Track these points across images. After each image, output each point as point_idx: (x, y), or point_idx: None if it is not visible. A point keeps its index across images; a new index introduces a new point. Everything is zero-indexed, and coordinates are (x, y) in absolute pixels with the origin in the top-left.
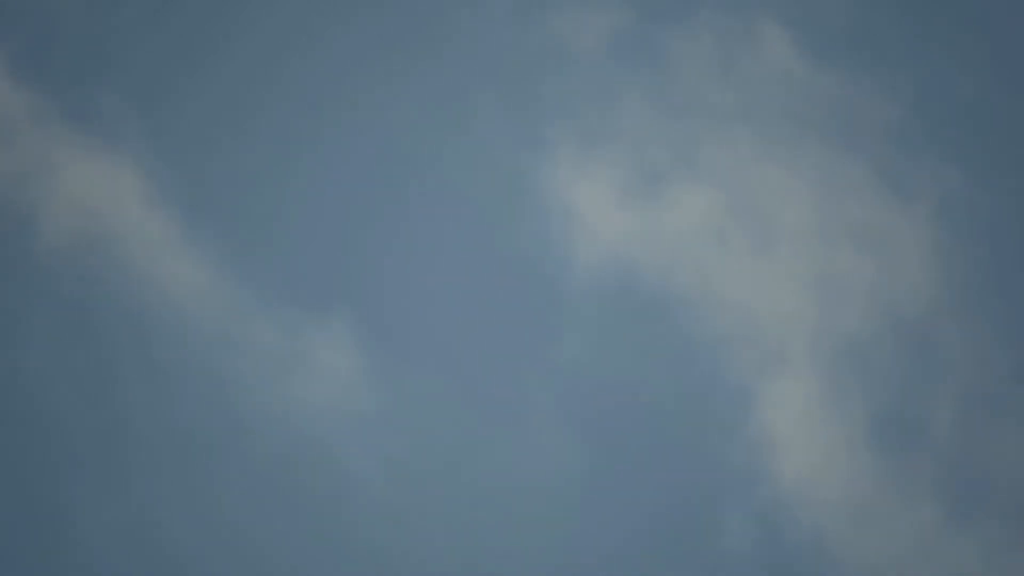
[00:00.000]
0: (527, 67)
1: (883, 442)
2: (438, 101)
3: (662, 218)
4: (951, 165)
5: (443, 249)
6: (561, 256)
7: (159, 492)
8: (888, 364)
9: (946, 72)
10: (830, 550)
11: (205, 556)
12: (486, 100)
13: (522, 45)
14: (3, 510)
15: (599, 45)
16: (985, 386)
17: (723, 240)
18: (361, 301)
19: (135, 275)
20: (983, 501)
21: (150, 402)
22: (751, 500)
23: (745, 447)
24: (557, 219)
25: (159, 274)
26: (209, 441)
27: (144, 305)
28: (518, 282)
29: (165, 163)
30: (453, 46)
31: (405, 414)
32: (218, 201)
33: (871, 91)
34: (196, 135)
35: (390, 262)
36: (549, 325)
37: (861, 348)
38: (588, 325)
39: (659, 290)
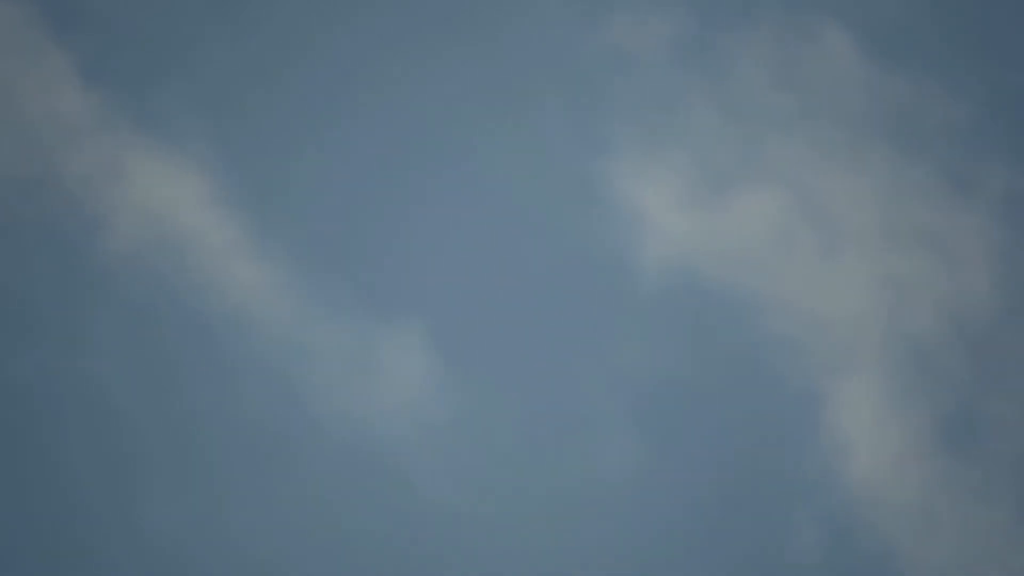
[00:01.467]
0: (591, 71)
1: (952, 445)
2: (504, 105)
3: (728, 221)
4: (1017, 166)
5: (510, 253)
6: (627, 259)
7: (227, 497)
8: (956, 366)
9: (1011, 72)
10: (899, 554)
11: (271, 559)
12: (551, 104)
13: (585, 49)
14: (75, 513)
15: (662, 48)
16: None
17: (789, 243)
18: (432, 306)
19: (204, 279)
20: None
21: (218, 407)
22: (819, 505)
23: (813, 451)
24: (623, 223)
25: (228, 278)
26: (277, 447)
27: (213, 309)
28: (584, 286)
29: (234, 166)
30: (518, 50)
31: (475, 421)
32: (288, 204)
33: (936, 92)
34: (265, 138)
35: (459, 267)
36: (615, 329)
37: (928, 350)
38: (655, 329)
39: (725, 293)
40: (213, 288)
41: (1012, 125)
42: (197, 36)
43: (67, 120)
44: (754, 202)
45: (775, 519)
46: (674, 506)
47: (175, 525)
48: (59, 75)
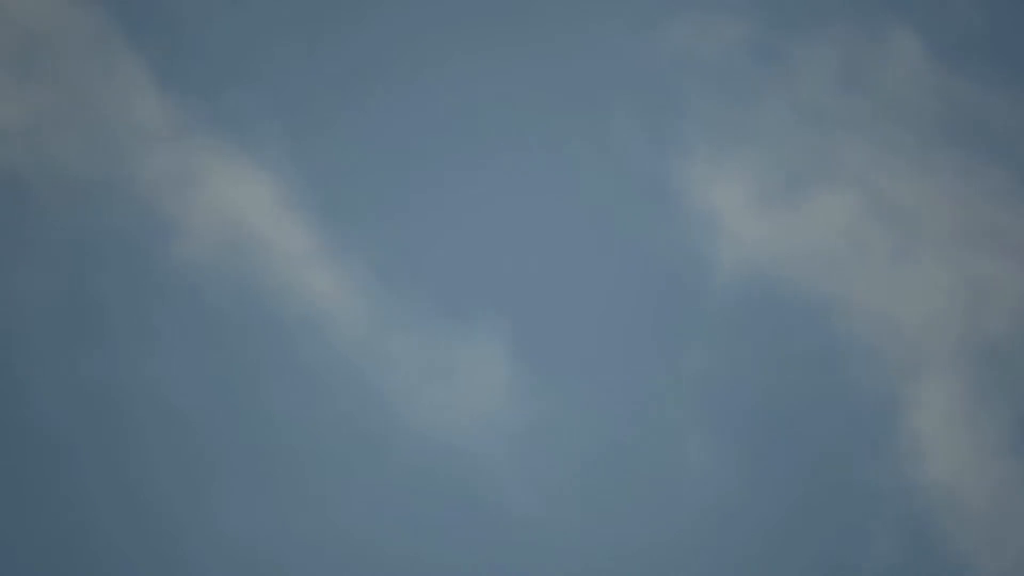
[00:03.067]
0: (663, 73)
1: None
2: (579, 108)
3: (801, 223)
4: None
5: (585, 257)
6: (701, 263)
7: (301, 501)
8: None
9: None
10: (976, 559)
11: (347, 563)
12: (624, 107)
13: (657, 52)
14: (151, 515)
15: (733, 51)
16: None
17: (863, 245)
18: (509, 311)
19: (279, 284)
20: None
21: (292, 412)
22: (895, 509)
23: (888, 456)
24: (696, 226)
25: (303, 282)
26: (352, 452)
27: (288, 314)
28: (658, 290)
29: (308, 170)
30: (591, 53)
31: (553, 427)
32: (363, 208)
33: (1006, 95)
34: (339, 141)
35: (535, 272)
36: (689, 333)
37: (1004, 352)
38: (729, 333)
39: (799, 296)
40: (288, 292)
41: None
42: (271, 39)
43: (142, 125)
44: (827, 204)
45: (850, 524)
46: (752, 513)
47: (250, 527)
48: (134, 80)
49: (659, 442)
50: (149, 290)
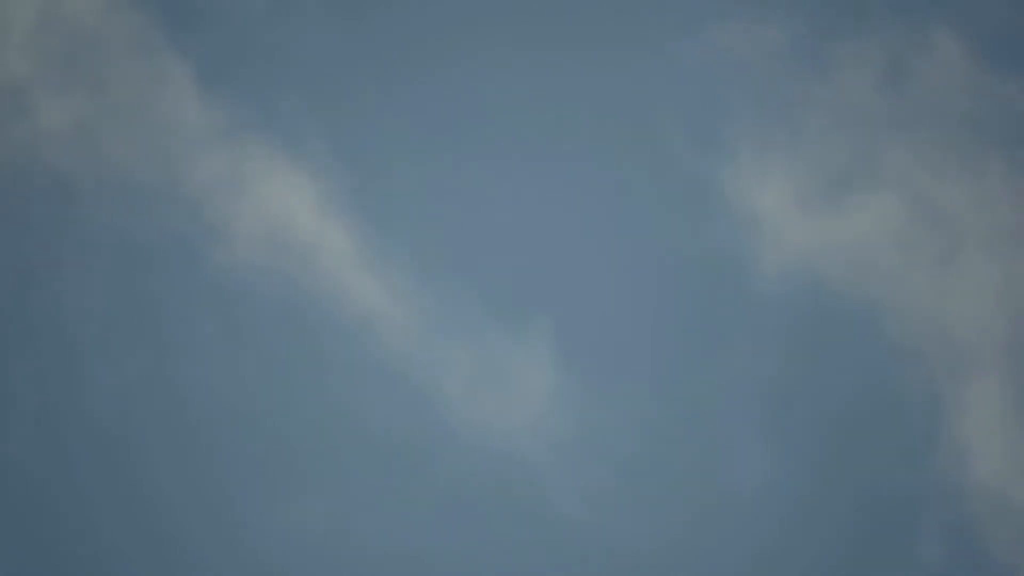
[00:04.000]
0: (705, 77)
1: None
2: (622, 111)
3: (845, 225)
4: None
5: (628, 259)
6: (745, 265)
7: (346, 503)
8: None
9: None
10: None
11: (392, 567)
12: (667, 110)
13: (700, 56)
14: (197, 514)
15: (775, 55)
16: None
17: (908, 247)
18: (552, 314)
19: (324, 286)
20: None
21: (337, 415)
22: (942, 512)
23: (935, 459)
24: (740, 227)
25: (348, 285)
26: (398, 456)
27: (333, 316)
28: (703, 292)
29: (353, 172)
30: (634, 56)
31: (600, 431)
32: (408, 210)
33: None
34: (384, 144)
35: (578, 273)
36: (734, 336)
37: None
38: (774, 336)
39: (845, 298)
40: (334, 295)
41: None
42: (314, 41)
43: (187, 128)
44: (872, 206)
45: (897, 526)
46: (795, 516)
47: (291, 530)
48: (179, 83)
49: (704, 446)
50: (197, 292)
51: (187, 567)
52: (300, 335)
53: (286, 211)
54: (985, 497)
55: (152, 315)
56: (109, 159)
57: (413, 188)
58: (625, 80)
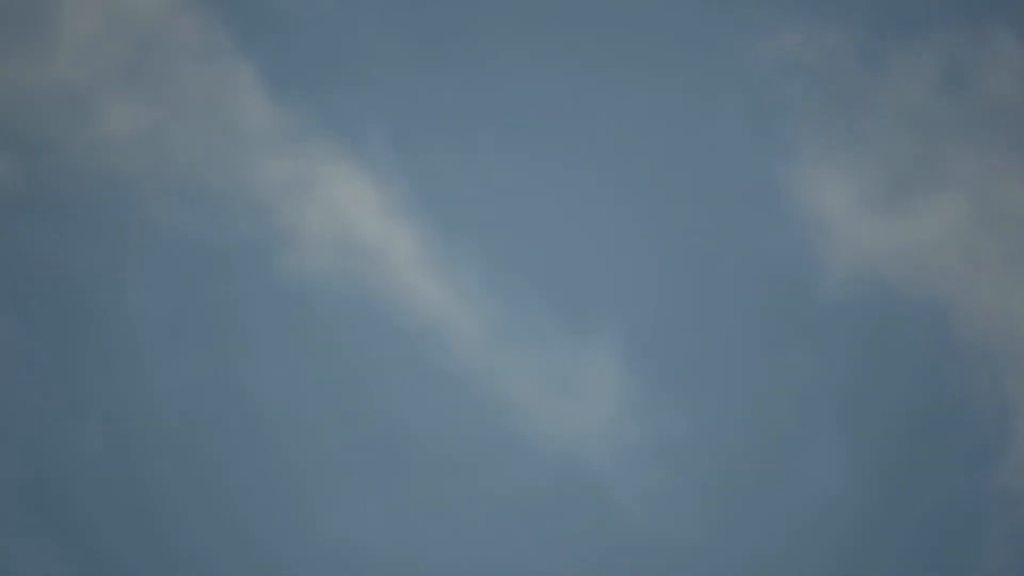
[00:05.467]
0: (768, 78)
1: None
2: (685, 116)
3: (910, 227)
4: None
5: (695, 263)
6: (811, 268)
7: (413, 512)
8: None
9: None
10: None
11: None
12: (730, 111)
13: (763, 57)
14: (268, 519)
15: (837, 57)
16: None
17: (974, 249)
18: (622, 321)
19: (390, 291)
20: None
21: (405, 421)
22: (1011, 519)
23: (1003, 461)
24: (806, 232)
25: (414, 290)
26: (466, 462)
27: (400, 322)
28: (769, 297)
29: (420, 176)
30: (697, 58)
31: (673, 441)
32: (475, 214)
33: None
34: (451, 146)
35: (646, 278)
36: (801, 341)
37: None
38: (840, 339)
39: (911, 301)
40: (401, 300)
41: None
42: (380, 42)
43: (253, 130)
44: (935, 208)
45: (966, 532)
46: (871, 523)
47: (362, 536)
48: (244, 85)
49: (774, 454)
50: (263, 296)
51: (254, 568)
52: (366, 340)
53: (353, 214)
54: None
55: (219, 319)
56: (176, 162)
57: (481, 191)
58: (690, 84)
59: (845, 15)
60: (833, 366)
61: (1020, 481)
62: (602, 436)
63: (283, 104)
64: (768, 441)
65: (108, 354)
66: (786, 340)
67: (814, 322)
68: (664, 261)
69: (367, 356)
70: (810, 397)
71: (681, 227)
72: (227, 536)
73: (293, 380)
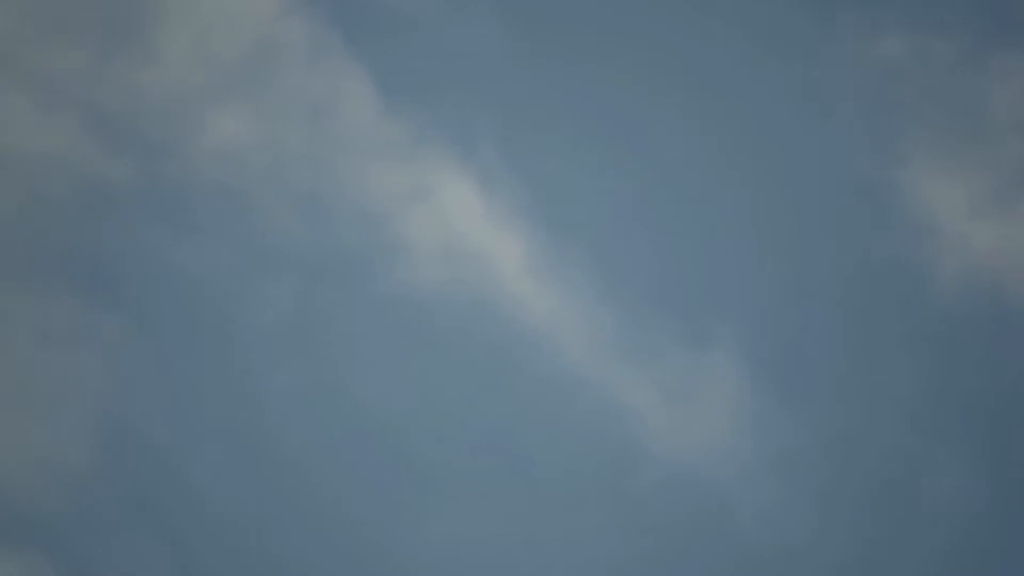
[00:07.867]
0: (880, 82)
1: None
2: (796, 119)
3: (1022, 230)
4: None
5: (809, 270)
6: (924, 271)
7: (526, 524)
8: None
9: None
10: None
11: None
12: (842, 117)
13: (875, 61)
14: (378, 530)
15: (946, 62)
16: None
17: None
18: (739, 327)
19: (503, 300)
20: None
21: (519, 431)
22: None
23: None
24: (918, 234)
25: (527, 299)
26: (585, 474)
27: (513, 331)
28: (882, 301)
29: (531, 183)
30: (808, 63)
31: (790, 451)
32: (588, 222)
33: None
34: (561, 153)
35: (761, 286)
36: (916, 345)
37: None
38: (956, 342)
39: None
40: (514, 310)
41: None
42: (491, 48)
43: (364, 137)
44: None
45: None
46: (993, 532)
47: (475, 547)
48: (355, 91)
49: (897, 464)
50: (373, 305)
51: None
52: (477, 349)
53: (463, 223)
54: None
55: (329, 327)
56: (287, 170)
57: (593, 196)
58: (803, 90)
59: (954, 19)
60: (948, 374)
61: None
62: (722, 448)
63: (393, 110)
64: (886, 452)
65: (220, 359)
66: (901, 348)
67: (928, 329)
68: (778, 268)
69: (478, 365)
70: (926, 406)
71: (795, 234)
72: (336, 544)
73: (404, 389)
